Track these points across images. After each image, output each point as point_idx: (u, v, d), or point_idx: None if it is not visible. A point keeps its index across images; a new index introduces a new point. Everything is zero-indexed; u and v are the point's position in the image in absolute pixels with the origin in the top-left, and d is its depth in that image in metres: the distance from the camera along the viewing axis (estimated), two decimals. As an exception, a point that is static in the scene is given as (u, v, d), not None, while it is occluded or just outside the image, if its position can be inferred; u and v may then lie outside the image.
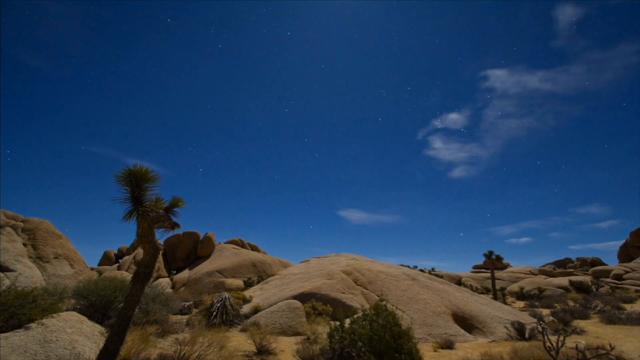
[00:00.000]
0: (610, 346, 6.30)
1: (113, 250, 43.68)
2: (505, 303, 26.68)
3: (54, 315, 7.18)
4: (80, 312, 9.47)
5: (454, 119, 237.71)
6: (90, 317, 9.02)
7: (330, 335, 7.35)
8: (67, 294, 10.90)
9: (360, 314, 7.58)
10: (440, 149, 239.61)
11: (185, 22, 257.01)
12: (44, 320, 6.72)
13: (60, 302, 9.69)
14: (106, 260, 41.84)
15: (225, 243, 44.29)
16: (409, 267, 34.74)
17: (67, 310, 9.17)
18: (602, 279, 49.11)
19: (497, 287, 38.66)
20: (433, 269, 63.55)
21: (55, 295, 10.04)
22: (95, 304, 10.20)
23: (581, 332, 12.81)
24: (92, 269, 33.46)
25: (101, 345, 6.41)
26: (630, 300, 24.87)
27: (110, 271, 32.46)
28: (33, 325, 6.45)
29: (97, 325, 8.02)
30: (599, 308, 19.18)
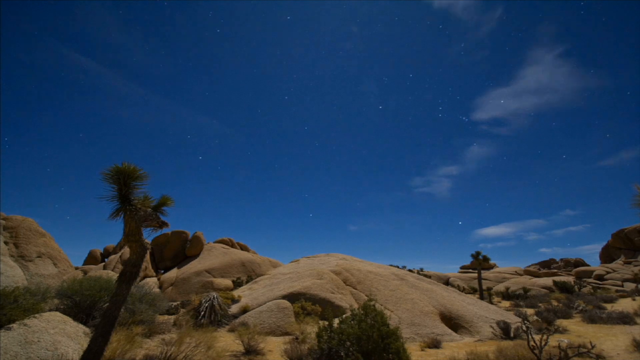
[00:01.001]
0: (591, 345, 6.49)
1: (99, 249, 42.81)
2: (491, 303, 27.15)
3: (37, 315, 7.01)
4: (64, 312, 9.25)
5: (445, 170, 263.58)
6: (75, 318, 8.82)
7: (319, 335, 7.35)
8: (50, 293, 10.62)
9: (349, 313, 7.63)
10: (429, 187, 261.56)
11: (181, 6, 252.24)
12: (25, 321, 6.55)
13: (43, 302, 9.44)
14: (92, 259, 40.98)
15: (215, 242, 43.87)
16: (397, 267, 35.02)
17: (50, 310, 8.96)
18: (585, 279, 50.45)
19: (484, 287, 39.32)
20: (421, 269, 64.20)
21: (37, 295, 9.78)
22: (79, 304, 9.97)
23: (564, 331, 13.13)
24: (76, 268, 32.73)
25: (85, 346, 6.29)
26: (611, 300, 25.59)
27: (96, 270, 31.81)
28: (14, 325, 6.28)
29: (81, 326, 7.86)
30: (581, 308, 19.69)
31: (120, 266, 33.87)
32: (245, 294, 18.03)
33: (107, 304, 6.24)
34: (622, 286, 44.30)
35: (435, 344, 10.80)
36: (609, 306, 21.23)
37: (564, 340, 10.42)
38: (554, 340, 10.46)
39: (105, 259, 40.71)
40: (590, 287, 42.03)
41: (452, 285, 51.05)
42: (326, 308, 14.15)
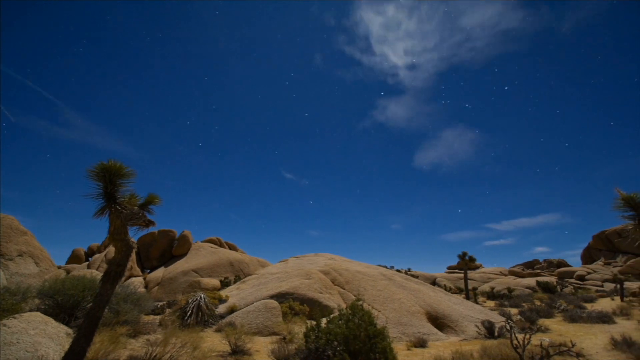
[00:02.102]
0: (572, 343, 6.67)
1: (83, 249, 41.81)
2: (476, 302, 27.62)
3: (16, 316, 6.80)
4: (45, 312, 9.01)
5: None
6: (56, 318, 8.59)
7: (306, 335, 7.36)
8: (31, 293, 10.33)
9: (336, 313, 7.65)
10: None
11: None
12: (4, 321, 6.36)
13: (23, 302, 9.19)
14: (75, 258, 40.00)
15: (203, 242, 43.40)
16: (386, 267, 35.30)
17: (31, 310, 8.72)
18: (567, 279, 51.80)
19: (470, 287, 39.96)
20: (409, 269, 64.88)
21: (17, 294, 9.51)
22: (61, 304, 9.72)
23: (546, 330, 13.46)
24: (59, 267, 31.89)
25: (67, 347, 6.14)
26: (591, 300, 26.39)
27: (79, 270, 31.07)
28: (-8, 326, 6.10)
29: (63, 326, 7.67)
30: (562, 307, 20.21)
31: (104, 265, 33.18)
32: (233, 294, 17.90)
33: (91, 304, 6.11)
34: (602, 286, 45.66)
35: (421, 344, 10.94)
36: (589, 306, 21.88)
37: (546, 339, 10.68)
38: (536, 339, 10.72)
39: (90, 258, 39.82)
40: (572, 287, 43.19)
41: (439, 285, 51.73)
42: (314, 308, 14.18)
